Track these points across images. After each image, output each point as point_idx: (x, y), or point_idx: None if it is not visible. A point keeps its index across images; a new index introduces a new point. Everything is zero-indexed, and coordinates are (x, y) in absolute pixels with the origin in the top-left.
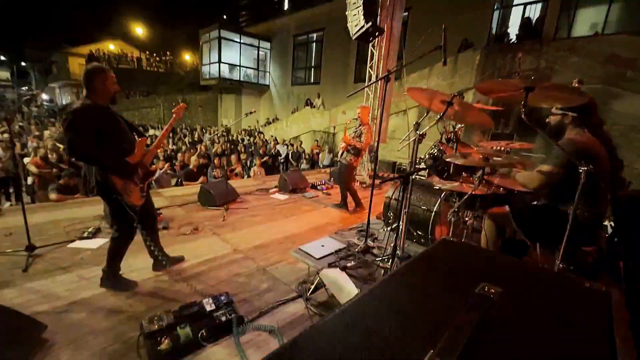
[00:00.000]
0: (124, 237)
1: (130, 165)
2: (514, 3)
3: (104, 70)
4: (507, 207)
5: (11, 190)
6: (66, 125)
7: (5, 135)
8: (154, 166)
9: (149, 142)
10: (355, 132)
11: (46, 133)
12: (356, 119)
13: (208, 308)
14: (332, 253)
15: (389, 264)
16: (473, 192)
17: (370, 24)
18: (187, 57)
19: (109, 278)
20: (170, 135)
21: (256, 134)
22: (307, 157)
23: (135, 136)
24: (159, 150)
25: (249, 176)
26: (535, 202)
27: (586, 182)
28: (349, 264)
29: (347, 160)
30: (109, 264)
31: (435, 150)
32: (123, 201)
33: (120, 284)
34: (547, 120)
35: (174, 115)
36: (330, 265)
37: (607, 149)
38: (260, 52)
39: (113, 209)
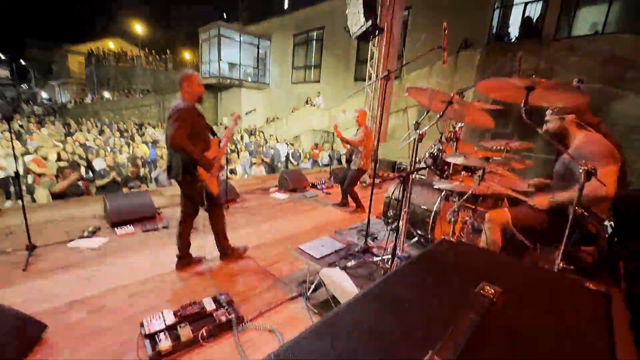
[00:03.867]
0: (219, 213)
1: (211, 160)
2: (514, 3)
3: (191, 75)
4: (506, 210)
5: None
6: (172, 120)
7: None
8: (222, 162)
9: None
10: (355, 135)
11: (45, 132)
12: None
13: (208, 308)
14: (332, 253)
15: (389, 264)
16: (473, 192)
17: (370, 22)
18: (187, 55)
19: (226, 252)
20: None
21: (257, 133)
22: (307, 155)
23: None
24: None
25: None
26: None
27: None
28: (349, 264)
29: (358, 164)
30: (222, 242)
31: (435, 150)
32: (206, 189)
33: (235, 253)
34: (544, 128)
35: (233, 123)
36: (330, 265)
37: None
38: (260, 51)
39: (190, 195)
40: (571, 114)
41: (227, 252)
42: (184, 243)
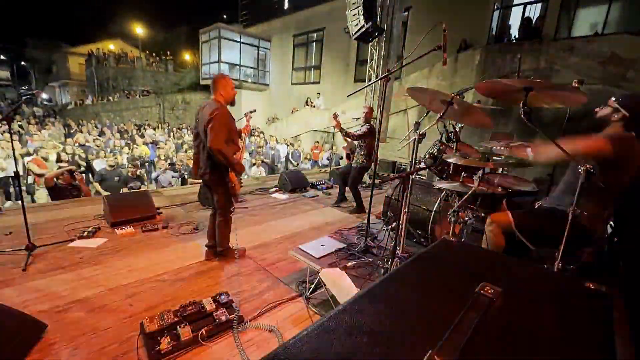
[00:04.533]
0: (228, 214)
1: (242, 164)
2: (514, 3)
3: (226, 77)
4: (509, 213)
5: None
6: (212, 125)
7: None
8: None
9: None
10: (357, 131)
11: (45, 133)
12: (358, 118)
13: (208, 308)
14: (332, 253)
15: (389, 264)
16: (473, 192)
17: (370, 23)
18: (187, 56)
19: (225, 253)
20: (172, 134)
21: (257, 133)
22: (307, 156)
23: None
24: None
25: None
26: (540, 203)
27: (585, 182)
28: (349, 264)
29: (359, 162)
30: (224, 243)
31: (435, 150)
32: (231, 190)
33: (233, 253)
34: (595, 109)
35: (247, 123)
36: (330, 265)
37: None
38: (260, 52)
39: (225, 196)
40: (631, 113)
41: (226, 253)
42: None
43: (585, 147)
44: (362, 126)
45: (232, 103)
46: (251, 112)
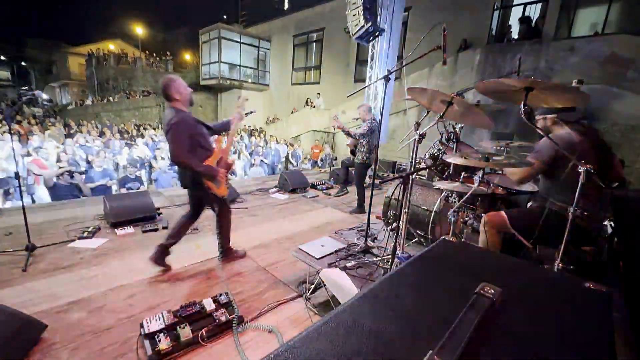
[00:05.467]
0: (226, 215)
1: (213, 169)
2: (514, 3)
3: (175, 79)
4: (503, 212)
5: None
6: (170, 136)
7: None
8: (231, 159)
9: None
10: (359, 129)
11: (46, 133)
12: (358, 118)
13: (208, 308)
14: (332, 253)
15: (389, 264)
16: (473, 192)
17: (370, 23)
18: (187, 56)
19: (226, 254)
20: None
21: (257, 133)
22: (307, 156)
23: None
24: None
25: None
26: (530, 203)
27: (585, 182)
28: (349, 264)
29: (360, 159)
30: (225, 242)
31: (435, 150)
32: (214, 194)
33: (235, 254)
34: (536, 124)
35: (238, 115)
36: (330, 265)
37: (594, 144)
38: (260, 52)
39: (209, 200)
40: (554, 112)
41: (227, 253)
42: (177, 236)
43: (525, 176)
44: (361, 125)
45: (191, 103)
46: (250, 112)
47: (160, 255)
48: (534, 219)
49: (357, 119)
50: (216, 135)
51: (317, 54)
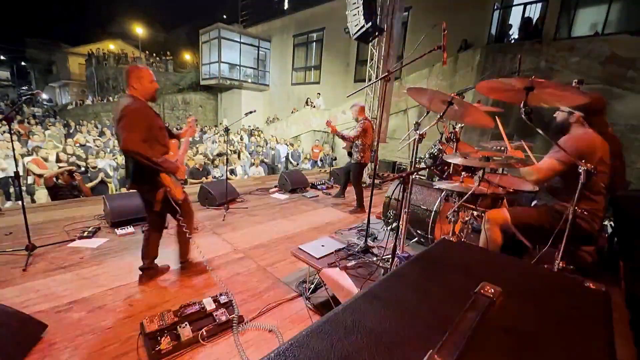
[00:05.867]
0: (157, 230)
1: (176, 163)
2: (514, 3)
3: (140, 69)
4: (504, 209)
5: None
6: (123, 123)
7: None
8: (183, 168)
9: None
10: (353, 128)
11: (47, 133)
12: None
13: (208, 308)
14: (332, 253)
15: (389, 264)
16: (473, 192)
17: (370, 23)
18: (187, 56)
19: (148, 271)
20: None
21: (257, 133)
22: (307, 156)
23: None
24: None
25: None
26: (535, 202)
27: (586, 182)
28: (349, 264)
29: (356, 159)
30: (183, 254)
31: (435, 150)
32: (169, 195)
33: (158, 270)
34: (554, 114)
35: (190, 129)
36: (330, 265)
37: (613, 150)
38: (260, 52)
39: (152, 203)
40: (584, 111)
41: (185, 266)
42: (151, 254)
43: (546, 177)
44: (355, 126)
45: (153, 99)
46: (250, 112)
47: (148, 274)
48: (536, 218)
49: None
50: (174, 140)
51: (317, 54)
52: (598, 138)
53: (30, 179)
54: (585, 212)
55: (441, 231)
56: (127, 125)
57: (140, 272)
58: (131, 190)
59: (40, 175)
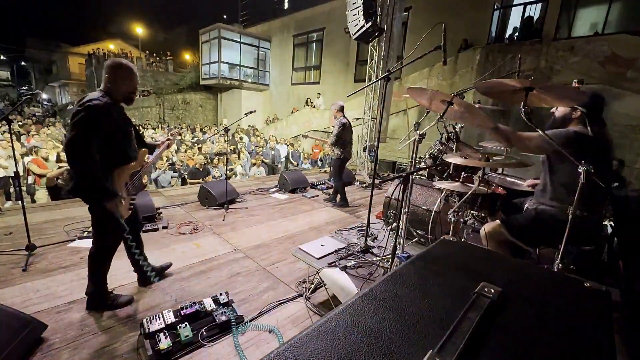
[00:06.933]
0: (108, 250)
1: (115, 184)
2: (514, 3)
3: (123, 65)
4: (499, 223)
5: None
6: (74, 121)
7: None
8: (145, 180)
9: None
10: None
11: (47, 132)
12: (358, 118)
13: (208, 308)
14: (332, 253)
15: (389, 264)
16: (473, 192)
17: (370, 23)
18: (187, 56)
19: (97, 299)
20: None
21: (257, 133)
22: (307, 156)
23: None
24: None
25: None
26: (526, 205)
27: (585, 182)
28: (349, 264)
29: (337, 154)
30: (94, 283)
31: (435, 150)
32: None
33: (112, 303)
34: (551, 110)
35: (167, 142)
36: (330, 265)
37: (607, 149)
38: (260, 52)
39: (99, 219)
40: (586, 108)
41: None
42: (102, 281)
43: (536, 145)
44: (334, 126)
45: (127, 101)
46: (250, 112)
47: (143, 278)
48: (530, 222)
49: (357, 119)
50: (144, 149)
51: (317, 54)
52: (590, 133)
53: (30, 179)
54: (585, 213)
55: (441, 231)
56: (78, 123)
57: (89, 297)
58: None
59: (40, 176)
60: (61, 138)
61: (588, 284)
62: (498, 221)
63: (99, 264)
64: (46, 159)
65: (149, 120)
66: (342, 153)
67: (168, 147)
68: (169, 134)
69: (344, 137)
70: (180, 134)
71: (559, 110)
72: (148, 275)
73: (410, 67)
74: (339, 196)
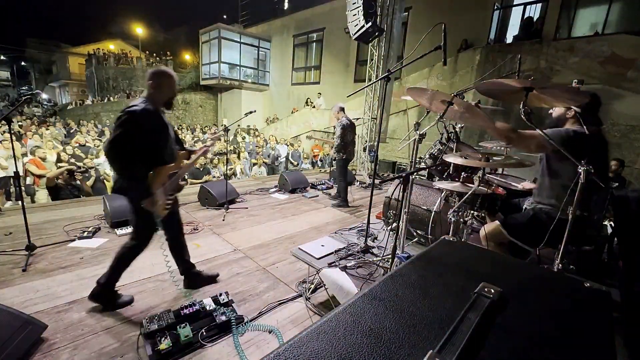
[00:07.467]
0: (138, 248)
1: (154, 184)
2: (514, 3)
3: (166, 73)
4: (498, 224)
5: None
6: (117, 124)
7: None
8: (183, 182)
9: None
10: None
11: (47, 133)
12: (358, 118)
13: (208, 308)
14: (332, 253)
15: (389, 264)
16: (473, 192)
17: (370, 24)
18: (187, 56)
19: (105, 291)
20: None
21: (257, 133)
22: (307, 156)
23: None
24: None
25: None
26: (525, 205)
27: (584, 182)
28: (349, 264)
29: (340, 156)
30: (111, 275)
31: (435, 150)
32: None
33: (114, 302)
34: (549, 111)
35: (205, 148)
36: (330, 265)
37: (601, 145)
38: (260, 52)
39: (137, 216)
40: (581, 107)
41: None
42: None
43: (525, 138)
44: (335, 127)
45: (168, 106)
46: (250, 112)
47: (194, 279)
48: (527, 222)
49: (357, 119)
50: (183, 152)
51: (317, 54)
52: (587, 132)
53: (29, 180)
54: (585, 213)
55: (441, 231)
56: (120, 126)
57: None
58: None
59: (39, 176)
60: (61, 138)
61: (588, 284)
62: (497, 221)
63: (125, 259)
64: (44, 159)
65: None
66: (344, 154)
67: (205, 154)
68: (209, 138)
69: (346, 138)
70: (220, 139)
71: (555, 111)
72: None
73: (410, 67)
74: (342, 195)
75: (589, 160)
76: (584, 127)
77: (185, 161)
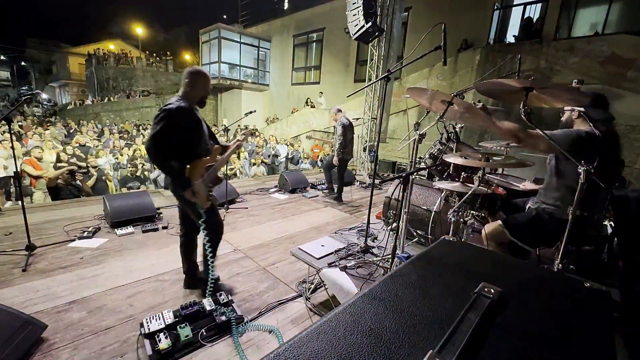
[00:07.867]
0: (190, 237)
1: (193, 175)
2: (514, 3)
3: (201, 72)
4: (500, 223)
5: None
6: (156, 120)
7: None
8: (220, 175)
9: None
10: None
11: (47, 133)
12: (358, 118)
13: (208, 308)
14: (332, 253)
15: (389, 264)
16: (473, 192)
17: (370, 23)
18: (187, 56)
19: (192, 278)
20: None
21: (257, 133)
22: (307, 156)
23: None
24: None
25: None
26: (528, 205)
27: (584, 182)
28: (349, 264)
29: (337, 156)
30: (187, 264)
31: (435, 150)
32: (193, 202)
33: (201, 278)
34: (561, 116)
35: (237, 142)
36: (330, 265)
37: (613, 145)
38: (260, 52)
39: (182, 207)
40: (584, 107)
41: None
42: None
43: (532, 137)
44: (335, 128)
45: (201, 104)
46: (250, 112)
47: (192, 280)
48: (529, 221)
49: (357, 119)
50: (218, 146)
51: (317, 54)
52: (597, 132)
53: (25, 181)
54: (585, 213)
55: (441, 231)
56: (158, 123)
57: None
58: (131, 191)
59: (36, 177)
60: (61, 138)
61: (588, 284)
62: (499, 221)
63: (187, 248)
64: (40, 159)
65: (150, 120)
66: (342, 153)
67: (238, 148)
68: (240, 134)
69: (346, 136)
70: (252, 134)
71: (564, 115)
72: (208, 287)
73: (410, 67)
74: (337, 192)
75: (601, 160)
76: (592, 126)
77: (220, 156)
